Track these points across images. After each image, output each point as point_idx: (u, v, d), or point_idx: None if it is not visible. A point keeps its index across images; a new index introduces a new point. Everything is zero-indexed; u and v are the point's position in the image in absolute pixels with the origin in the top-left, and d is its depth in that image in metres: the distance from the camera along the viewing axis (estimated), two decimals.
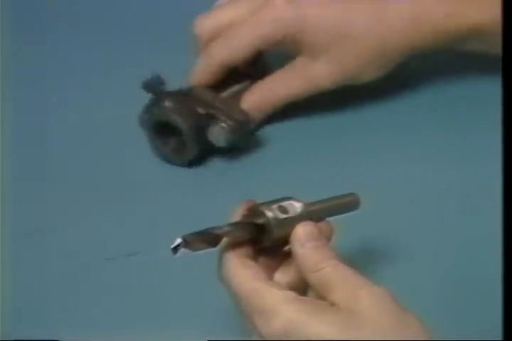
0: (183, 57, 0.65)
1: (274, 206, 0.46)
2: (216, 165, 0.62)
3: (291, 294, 0.43)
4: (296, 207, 0.47)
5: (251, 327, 0.44)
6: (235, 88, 0.62)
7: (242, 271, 0.45)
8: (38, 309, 0.54)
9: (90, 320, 0.53)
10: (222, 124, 0.58)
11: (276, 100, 0.62)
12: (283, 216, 0.46)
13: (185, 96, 0.60)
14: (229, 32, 0.61)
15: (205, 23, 0.63)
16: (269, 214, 0.46)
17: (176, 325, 0.53)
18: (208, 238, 0.44)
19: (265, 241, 0.46)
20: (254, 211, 0.47)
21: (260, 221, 0.46)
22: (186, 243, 0.43)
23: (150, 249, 0.57)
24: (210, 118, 0.59)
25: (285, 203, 0.47)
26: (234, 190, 0.59)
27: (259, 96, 0.62)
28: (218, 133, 0.58)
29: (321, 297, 0.44)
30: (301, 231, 0.46)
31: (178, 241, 0.43)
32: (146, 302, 0.54)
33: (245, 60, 0.61)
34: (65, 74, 0.70)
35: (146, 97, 0.62)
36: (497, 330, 0.44)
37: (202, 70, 0.62)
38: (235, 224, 0.46)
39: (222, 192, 0.60)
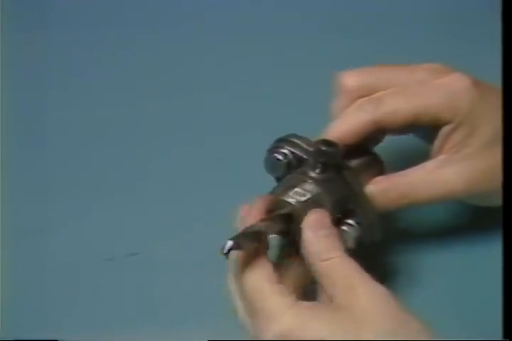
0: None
1: (291, 193, 0.47)
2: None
3: (293, 299, 0.44)
4: (309, 186, 0.47)
5: (249, 325, 0.45)
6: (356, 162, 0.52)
7: (254, 269, 0.45)
8: (38, 309, 0.54)
9: (90, 320, 0.53)
10: (354, 225, 0.49)
11: (403, 201, 0.50)
12: (303, 198, 0.47)
13: (335, 175, 0.48)
14: (392, 91, 0.51)
15: (358, 78, 0.52)
16: (291, 200, 0.47)
17: (176, 325, 0.53)
18: (253, 236, 0.45)
19: (295, 228, 0.47)
20: (275, 203, 0.47)
21: (286, 210, 0.47)
22: (238, 245, 0.43)
23: (150, 249, 0.57)
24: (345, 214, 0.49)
25: (299, 187, 0.47)
26: (235, 189, 0.59)
27: (385, 194, 0.50)
28: (348, 235, 0.49)
29: (322, 287, 0.45)
30: (314, 219, 0.46)
31: (230, 244, 0.43)
32: (146, 302, 0.54)
33: (399, 126, 0.51)
34: (65, 74, 0.70)
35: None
36: (497, 330, 0.44)
37: (347, 126, 0.50)
38: (267, 219, 0.46)
39: (223, 192, 0.60)
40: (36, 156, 0.64)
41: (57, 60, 0.71)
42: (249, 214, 0.47)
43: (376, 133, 0.51)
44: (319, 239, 0.45)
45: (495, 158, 0.49)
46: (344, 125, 0.50)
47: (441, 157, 0.51)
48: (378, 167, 0.52)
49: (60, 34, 0.74)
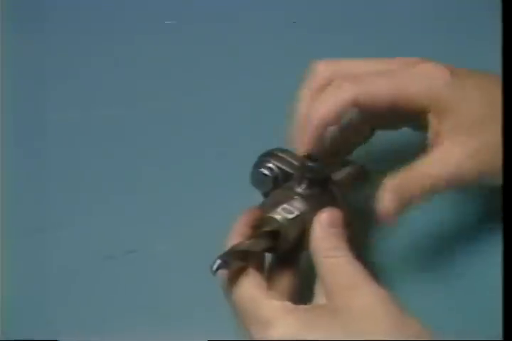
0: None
1: (279, 209, 0.47)
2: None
3: (289, 304, 0.44)
4: (297, 203, 0.47)
5: (246, 334, 0.44)
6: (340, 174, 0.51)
7: (244, 277, 0.45)
8: (38, 309, 0.54)
9: (90, 320, 0.53)
10: None
11: (423, 191, 0.49)
12: (290, 216, 0.47)
13: (322, 191, 0.48)
14: (371, 72, 0.50)
15: (332, 65, 0.51)
16: (278, 217, 0.47)
17: (176, 325, 0.53)
18: (240, 255, 0.45)
19: (282, 245, 0.47)
20: (262, 220, 0.47)
21: (273, 227, 0.47)
22: (226, 264, 0.44)
23: (149, 247, 0.57)
24: None
25: (288, 203, 0.47)
26: (233, 188, 0.59)
27: (405, 189, 0.48)
28: None
29: (321, 284, 0.45)
30: (326, 216, 0.46)
31: (219, 262, 0.43)
32: (146, 300, 0.54)
33: (378, 107, 0.50)
34: (65, 73, 0.70)
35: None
36: (497, 330, 0.44)
37: (327, 107, 0.49)
38: (254, 236, 0.46)
39: (222, 190, 0.60)
40: (36, 156, 0.64)
41: (57, 60, 0.71)
42: (235, 231, 0.47)
43: (357, 118, 0.50)
44: (329, 236, 0.45)
45: (494, 133, 0.49)
46: (325, 106, 0.49)
47: (444, 143, 0.50)
48: (362, 177, 0.52)
49: (59, 34, 0.74)
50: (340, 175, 0.51)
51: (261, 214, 0.47)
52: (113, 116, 0.66)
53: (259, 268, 0.46)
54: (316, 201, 0.47)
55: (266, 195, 0.50)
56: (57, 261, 0.57)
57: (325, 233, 0.46)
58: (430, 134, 0.50)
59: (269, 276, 0.47)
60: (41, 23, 0.74)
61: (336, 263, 0.44)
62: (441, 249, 0.55)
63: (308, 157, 0.48)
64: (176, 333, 0.52)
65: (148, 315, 0.53)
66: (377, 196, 0.48)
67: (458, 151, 0.49)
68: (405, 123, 0.53)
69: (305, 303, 0.45)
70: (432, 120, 0.50)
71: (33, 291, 0.55)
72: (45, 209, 0.60)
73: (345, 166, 0.51)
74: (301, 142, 0.50)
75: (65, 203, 0.60)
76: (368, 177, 0.52)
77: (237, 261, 0.44)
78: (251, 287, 0.44)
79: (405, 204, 0.48)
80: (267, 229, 0.46)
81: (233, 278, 0.45)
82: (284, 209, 0.47)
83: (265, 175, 0.50)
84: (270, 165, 0.50)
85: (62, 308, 0.54)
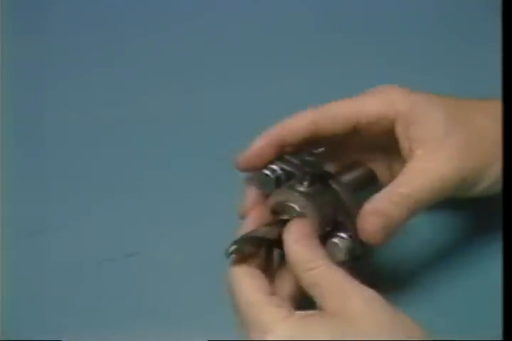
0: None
1: (297, 197, 0.47)
2: None
3: (288, 312, 0.43)
4: (300, 201, 0.47)
5: (245, 335, 0.44)
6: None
7: (247, 280, 0.45)
8: (38, 309, 0.54)
9: (90, 320, 0.53)
10: (345, 237, 0.48)
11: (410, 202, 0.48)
12: (303, 210, 0.47)
13: (324, 189, 0.48)
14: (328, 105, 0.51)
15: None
16: (296, 207, 0.47)
17: (176, 325, 0.53)
18: (255, 241, 0.45)
19: None
20: (282, 205, 0.47)
21: (291, 215, 0.47)
22: (240, 249, 0.44)
23: (150, 249, 0.57)
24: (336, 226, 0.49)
25: (291, 202, 0.47)
26: (236, 189, 0.59)
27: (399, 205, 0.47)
28: (339, 248, 0.48)
29: (312, 297, 0.44)
30: (294, 229, 0.46)
31: (234, 247, 0.44)
32: (146, 302, 0.54)
33: (339, 131, 0.50)
34: (65, 73, 0.70)
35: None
36: (497, 330, 0.44)
37: (290, 124, 0.50)
38: (270, 224, 0.47)
39: (223, 192, 0.60)
40: (36, 156, 0.64)
41: (57, 60, 0.71)
42: (251, 216, 0.48)
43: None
44: (302, 248, 0.45)
45: (467, 135, 0.49)
46: (288, 123, 0.50)
47: (419, 153, 0.49)
48: (371, 180, 0.52)
49: (59, 34, 0.74)
50: (349, 177, 0.50)
51: (279, 202, 0.47)
52: (113, 116, 0.66)
53: (269, 265, 0.47)
54: (318, 198, 0.47)
55: (268, 196, 0.50)
56: (57, 262, 0.57)
57: (299, 246, 0.45)
58: (403, 145, 0.50)
59: (271, 281, 0.47)
60: (41, 23, 0.74)
61: (318, 275, 0.44)
62: (442, 250, 0.55)
63: (308, 152, 0.48)
64: (176, 333, 0.52)
65: (149, 315, 0.53)
66: (360, 217, 0.47)
67: (438, 157, 0.49)
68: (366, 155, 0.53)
69: (308, 308, 0.45)
70: (401, 132, 0.50)
71: (33, 291, 0.55)
72: (46, 211, 0.60)
73: (355, 168, 0.51)
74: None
75: (65, 204, 0.60)
76: (377, 180, 0.52)
77: (251, 247, 0.45)
78: (255, 291, 0.44)
79: (390, 227, 0.47)
80: (284, 217, 0.47)
81: (238, 280, 0.45)
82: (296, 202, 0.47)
83: (267, 175, 0.50)
84: (273, 166, 0.50)
85: (63, 308, 0.54)
